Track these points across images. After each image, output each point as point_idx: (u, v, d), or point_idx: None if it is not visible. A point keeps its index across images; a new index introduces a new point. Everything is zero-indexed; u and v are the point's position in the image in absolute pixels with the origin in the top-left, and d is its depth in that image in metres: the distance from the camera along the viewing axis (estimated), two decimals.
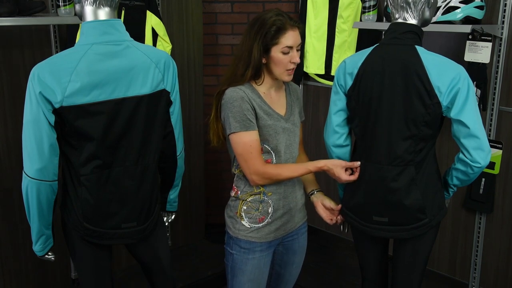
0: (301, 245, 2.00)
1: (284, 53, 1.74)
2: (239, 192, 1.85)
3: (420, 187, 1.80)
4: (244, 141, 1.73)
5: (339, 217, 1.97)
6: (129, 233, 1.80)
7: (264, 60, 1.75)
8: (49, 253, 1.85)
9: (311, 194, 1.98)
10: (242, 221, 1.83)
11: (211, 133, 1.86)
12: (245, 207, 1.83)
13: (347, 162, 1.85)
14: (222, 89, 1.77)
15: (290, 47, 1.74)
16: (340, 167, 1.82)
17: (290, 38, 1.73)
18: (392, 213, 1.82)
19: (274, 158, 1.81)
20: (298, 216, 1.94)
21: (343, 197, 1.99)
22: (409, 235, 1.85)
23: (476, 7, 2.38)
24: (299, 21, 1.79)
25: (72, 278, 2.93)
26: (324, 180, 2.90)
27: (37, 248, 1.80)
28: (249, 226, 1.83)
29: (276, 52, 1.73)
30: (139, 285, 2.83)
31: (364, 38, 3.01)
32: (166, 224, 2.12)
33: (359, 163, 1.85)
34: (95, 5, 1.66)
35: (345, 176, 1.82)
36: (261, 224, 1.83)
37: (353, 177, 1.84)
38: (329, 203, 1.95)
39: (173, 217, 2.17)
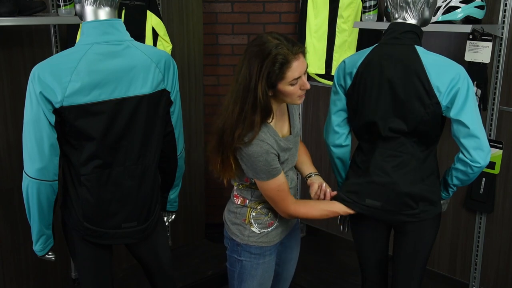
0: (297, 240, 2.03)
1: (293, 85, 1.61)
2: (246, 201, 1.83)
3: (415, 180, 1.79)
4: (272, 187, 1.70)
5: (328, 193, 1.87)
6: (130, 233, 1.80)
7: (270, 93, 1.62)
8: (50, 253, 1.85)
9: (309, 177, 1.91)
10: (252, 228, 1.81)
11: (213, 164, 1.73)
12: (254, 214, 1.82)
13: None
14: (238, 135, 1.60)
15: (298, 78, 1.61)
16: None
17: (296, 69, 1.58)
18: (385, 200, 1.81)
19: None
20: None
21: (343, 183, 1.98)
22: (395, 220, 1.84)
23: (476, 7, 2.38)
24: (300, 44, 1.62)
25: (72, 278, 2.93)
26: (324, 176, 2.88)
27: (37, 248, 1.80)
28: (259, 232, 1.82)
29: (283, 85, 1.60)
30: (140, 285, 2.83)
31: (365, 38, 3.00)
32: (167, 224, 2.12)
33: None
34: (96, 5, 1.66)
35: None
36: (270, 229, 1.83)
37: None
38: (326, 186, 1.88)
39: (173, 217, 2.17)
